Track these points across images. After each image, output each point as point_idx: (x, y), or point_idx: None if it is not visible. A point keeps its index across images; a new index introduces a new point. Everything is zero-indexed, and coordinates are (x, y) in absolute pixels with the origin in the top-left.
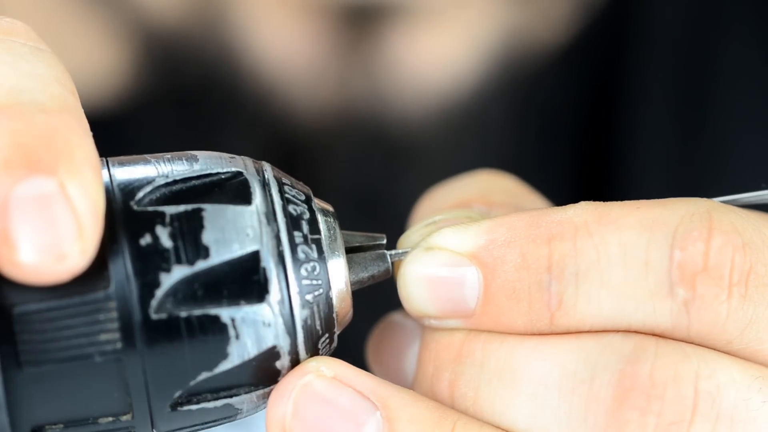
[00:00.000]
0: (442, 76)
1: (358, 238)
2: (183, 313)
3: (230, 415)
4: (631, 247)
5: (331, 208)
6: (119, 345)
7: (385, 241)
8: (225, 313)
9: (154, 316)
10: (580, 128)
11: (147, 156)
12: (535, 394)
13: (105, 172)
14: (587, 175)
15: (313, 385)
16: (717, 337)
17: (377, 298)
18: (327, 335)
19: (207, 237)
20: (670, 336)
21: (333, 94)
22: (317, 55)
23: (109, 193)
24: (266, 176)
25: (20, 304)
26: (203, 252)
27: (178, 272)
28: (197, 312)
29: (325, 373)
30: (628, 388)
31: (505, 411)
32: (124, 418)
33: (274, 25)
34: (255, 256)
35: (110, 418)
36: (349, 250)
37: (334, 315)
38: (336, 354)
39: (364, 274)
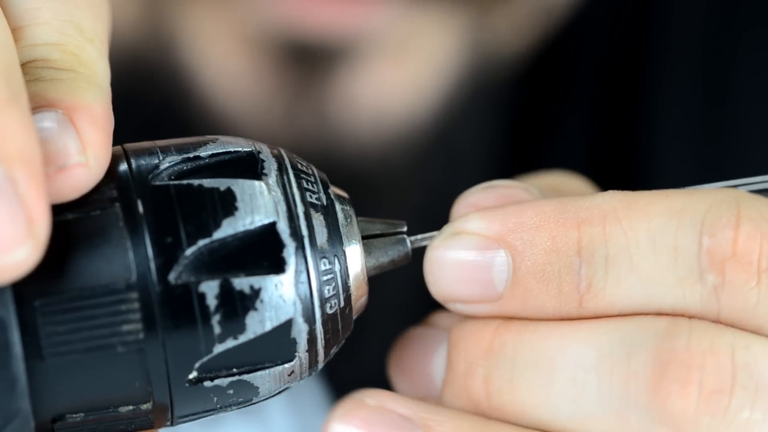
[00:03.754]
0: (403, 107)
1: (379, 225)
2: (202, 284)
3: (248, 395)
4: (659, 234)
5: (346, 196)
6: (141, 335)
7: (405, 228)
8: (244, 282)
9: (173, 283)
10: (564, 134)
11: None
12: (573, 380)
13: (124, 162)
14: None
15: (358, 414)
16: (747, 322)
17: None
18: (344, 319)
19: (223, 212)
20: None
21: (281, 129)
22: (264, 91)
23: (129, 182)
24: (283, 161)
25: (43, 296)
26: (220, 224)
27: (200, 242)
28: (216, 281)
29: (369, 403)
30: (667, 361)
31: (545, 401)
32: (144, 406)
33: (220, 59)
34: (272, 228)
35: (130, 407)
36: (370, 237)
37: (351, 299)
38: (350, 341)
39: (384, 259)
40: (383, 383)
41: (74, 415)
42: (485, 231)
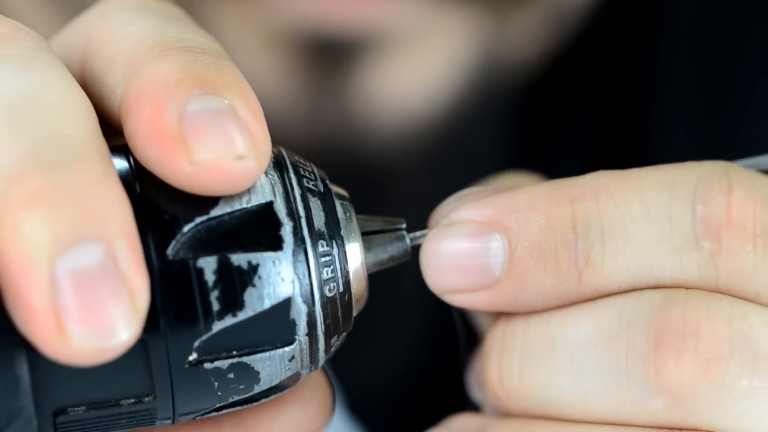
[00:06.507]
0: (420, 102)
1: (378, 222)
2: (200, 260)
3: (250, 381)
4: (653, 204)
5: (346, 194)
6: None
7: (404, 225)
8: (241, 258)
9: (170, 258)
10: (578, 137)
11: None
12: (573, 356)
13: (125, 148)
14: None
15: None
16: (746, 288)
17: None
18: (344, 307)
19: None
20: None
21: (305, 126)
22: (288, 88)
23: (127, 164)
24: (281, 152)
25: None
26: (218, 203)
27: (197, 219)
28: (213, 257)
29: None
30: (662, 330)
31: (549, 380)
32: (146, 399)
33: (244, 58)
34: (269, 208)
35: (132, 400)
36: (369, 234)
37: (350, 286)
38: (353, 337)
39: (384, 255)
40: (395, 383)
41: (76, 409)
42: (479, 217)
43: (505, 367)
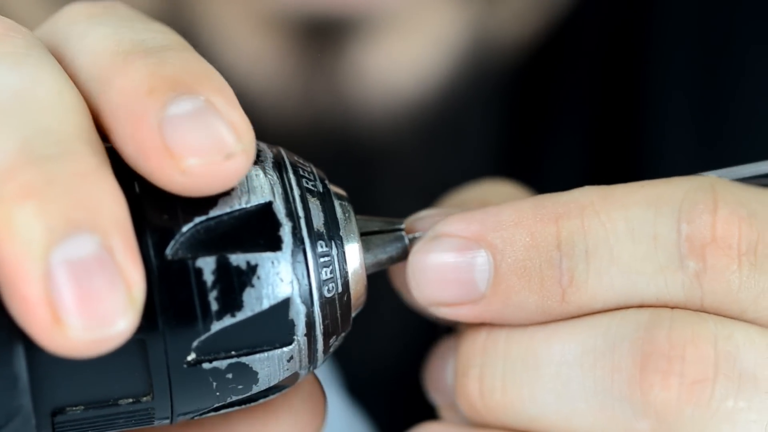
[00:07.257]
0: (411, 82)
1: (377, 223)
2: (198, 260)
3: (248, 381)
4: (638, 223)
5: (345, 194)
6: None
7: (404, 226)
8: (240, 258)
9: (169, 258)
10: (571, 123)
11: None
12: (558, 374)
13: None
14: (580, 172)
15: None
16: (731, 306)
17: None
18: (343, 307)
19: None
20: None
21: (299, 107)
22: (282, 70)
23: (126, 164)
24: (280, 153)
25: None
26: (217, 203)
27: (196, 219)
28: (212, 257)
29: None
30: (648, 352)
31: (533, 397)
32: (145, 399)
33: (238, 41)
34: (268, 208)
35: (130, 400)
36: (368, 234)
37: (349, 287)
38: (351, 336)
39: (383, 256)
40: (392, 364)
41: (74, 408)
42: (464, 232)
43: (486, 381)
